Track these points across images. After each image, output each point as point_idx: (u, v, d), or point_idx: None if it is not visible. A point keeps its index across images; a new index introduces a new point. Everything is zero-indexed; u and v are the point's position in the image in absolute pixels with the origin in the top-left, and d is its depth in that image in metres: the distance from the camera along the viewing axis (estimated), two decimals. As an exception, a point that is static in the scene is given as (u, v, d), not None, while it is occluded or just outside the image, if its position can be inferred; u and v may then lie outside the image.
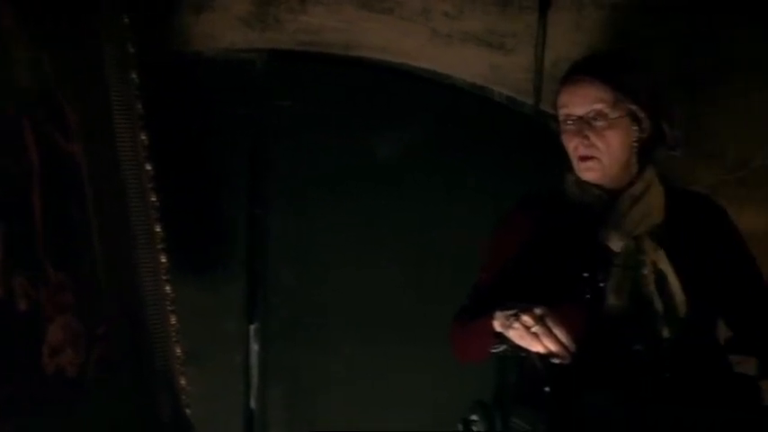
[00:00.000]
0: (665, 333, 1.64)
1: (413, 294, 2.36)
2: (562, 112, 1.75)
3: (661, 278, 1.66)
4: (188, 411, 2.04)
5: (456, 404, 1.81)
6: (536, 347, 1.51)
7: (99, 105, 1.96)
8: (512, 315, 1.54)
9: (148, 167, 2.01)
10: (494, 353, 1.62)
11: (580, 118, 1.71)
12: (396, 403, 2.33)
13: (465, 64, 2.36)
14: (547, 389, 1.50)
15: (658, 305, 1.65)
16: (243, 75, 2.34)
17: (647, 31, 2.35)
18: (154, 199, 2.01)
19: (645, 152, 1.75)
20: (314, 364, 2.36)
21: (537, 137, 2.27)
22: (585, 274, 1.68)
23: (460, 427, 1.76)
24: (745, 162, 2.35)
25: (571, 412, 1.51)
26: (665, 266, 1.66)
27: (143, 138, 2.01)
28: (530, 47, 2.33)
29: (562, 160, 1.80)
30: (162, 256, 2.01)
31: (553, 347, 1.49)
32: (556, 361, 1.50)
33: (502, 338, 1.58)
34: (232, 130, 2.34)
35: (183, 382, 2.04)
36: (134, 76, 2.02)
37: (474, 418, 1.74)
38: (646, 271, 1.66)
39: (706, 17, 2.36)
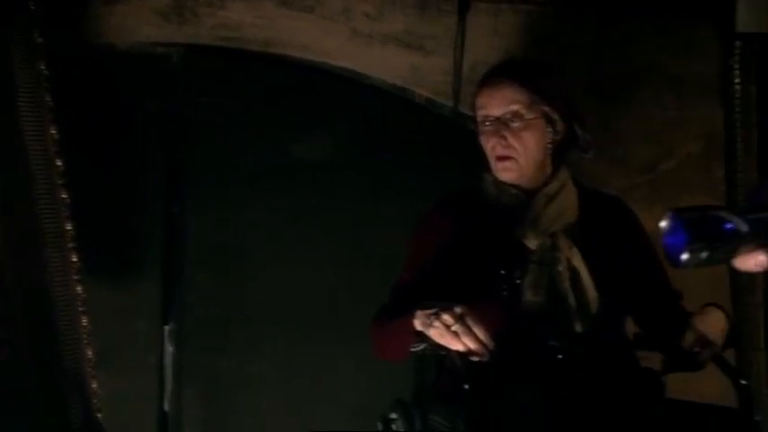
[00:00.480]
0: (578, 328, 1.69)
1: (333, 294, 2.36)
2: (480, 113, 1.78)
3: (575, 275, 1.71)
4: (99, 416, 1.98)
5: (375, 403, 1.82)
6: (456, 346, 1.53)
7: (3, 96, 1.88)
8: (432, 314, 1.56)
9: (59, 163, 1.94)
10: (414, 351, 1.64)
11: (497, 119, 1.75)
12: (315, 403, 2.32)
13: (385, 65, 2.38)
14: (466, 386, 1.52)
15: (572, 301, 1.70)
16: (159, 69, 2.29)
17: (562, 38, 2.43)
18: (65, 196, 1.94)
19: (558, 154, 1.80)
20: (231, 365, 2.32)
21: (456, 138, 2.30)
22: (503, 272, 1.72)
23: (380, 425, 1.76)
24: (654, 165, 2.46)
25: (490, 409, 1.53)
26: (579, 263, 1.72)
27: (53, 132, 1.94)
28: (449, 49, 2.37)
29: (480, 161, 1.83)
30: (73, 256, 1.94)
31: (473, 345, 1.51)
32: (475, 359, 1.52)
33: (422, 337, 1.59)
34: (148, 126, 2.29)
35: (94, 385, 1.97)
36: (43, 67, 1.94)
37: (393, 416, 1.75)
38: (561, 268, 1.71)
39: (615, 27, 2.46)
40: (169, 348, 2.28)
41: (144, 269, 2.26)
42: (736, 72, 2.47)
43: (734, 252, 0.76)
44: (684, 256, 0.75)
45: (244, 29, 2.31)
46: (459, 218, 1.80)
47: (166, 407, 2.28)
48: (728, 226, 0.76)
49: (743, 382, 1.65)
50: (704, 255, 0.75)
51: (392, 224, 2.28)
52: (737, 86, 2.47)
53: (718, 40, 2.48)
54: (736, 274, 2.44)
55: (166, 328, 2.28)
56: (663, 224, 0.77)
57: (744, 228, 0.76)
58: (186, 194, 2.30)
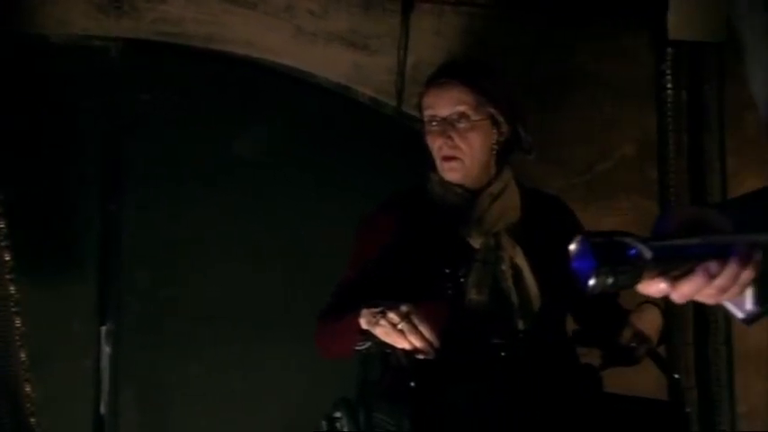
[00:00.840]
0: (521, 326, 1.73)
1: (274, 292, 2.34)
2: (427, 113, 1.80)
3: (517, 273, 1.74)
4: (32, 420, 1.91)
5: (319, 402, 1.82)
6: (402, 344, 1.54)
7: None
8: (378, 312, 1.56)
9: (-10, 158, 1.88)
10: (358, 350, 1.64)
11: (444, 119, 1.77)
12: (257, 402, 2.30)
13: (329, 63, 2.37)
14: (412, 384, 1.53)
15: (515, 299, 1.73)
16: (96, 63, 2.24)
17: (503, 41, 2.47)
18: (-4, 192, 1.87)
19: (502, 155, 1.83)
20: (170, 366, 2.28)
21: (399, 137, 2.32)
22: (447, 270, 1.74)
23: (324, 424, 1.76)
24: (590, 167, 2.52)
25: (435, 407, 1.55)
26: (522, 262, 1.75)
27: (-17, 126, 1.87)
28: (393, 49, 2.38)
29: (423, 160, 1.85)
30: (6, 254, 1.88)
31: (418, 344, 1.53)
32: (421, 357, 1.54)
33: (368, 336, 1.60)
34: (83, 121, 2.23)
35: (27, 388, 1.91)
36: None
37: (337, 415, 1.75)
38: (504, 266, 1.74)
39: (554, 31, 2.51)
40: (106, 349, 2.22)
41: (80, 268, 2.20)
42: (668, 78, 2.56)
43: (638, 278, 0.80)
44: (592, 282, 0.78)
45: (185, 24, 2.27)
46: (403, 217, 1.81)
47: (103, 410, 2.23)
48: (633, 252, 0.79)
49: (676, 376, 1.72)
50: (610, 280, 0.79)
51: (335, 222, 2.28)
52: (669, 91, 2.56)
53: (651, 46, 2.57)
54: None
55: (103, 328, 2.22)
56: (572, 248, 0.80)
57: (647, 254, 0.79)
58: (125, 191, 2.25)
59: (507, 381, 1.64)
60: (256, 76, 2.34)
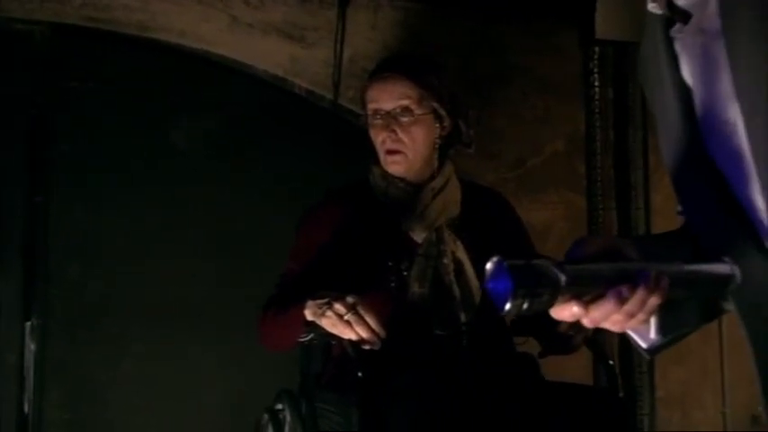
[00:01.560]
0: (462, 318, 1.76)
1: (211, 286, 2.29)
2: (370, 106, 1.80)
3: (459, 267, 1.77)
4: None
5: (261, 395, 1.80)
6: (348, 335, 1.55)
7: None
8: (324, 304, 1.57)
9: None
10: (302, 341, 1.64)
11: (387, 113, 1.78)
12: (197, 398, 2.25)
13: (265, 54, 2.35)
14: (359, 374, 1.54)
15: (456, 292, 1.75)
16: (19, 48, 2.15)
17: (438, 36, 2.50)
18: None
19: (444, 149, 1.85)
20: (100, 363, 2.21)
21: (336, 130, 2.31)
22: (390, 263, 1.75)
23: (266, 416, 1.75)
24: (522, 161, 2.58)
25: (381, 396, 1.56)
26: (463, 256, 1.78)
27: None
28: (329, 42, 2.37)
29: (364, 153, 1.85)
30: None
31: (365, 334, 1.54)
32: (367, 347, 1.55)
33: (313, 327, 1.59)
34: (7, 108, 2.13)
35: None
36: None
37: (279, 407, 1.74)
38: (446, 260, 1.76)
39: (489, 28, 2.56)
40: (31, 346, 2.14)
41: (3, 261, 2.11)
42: (595, 76, 2.65)
43: (552, 301, 0.82)
44: (508, 305, 0.80)
45: (115, 10, 2.20)
46: (346, 211, 1.81)
47: (26, 409, 2.14)
48: (548, 276, 0.81)
49: (611, 362, 1.78)
50: (526, 304, 0.80)
51: (271, 215, 2.26)
52: (596, 89, 2.65)
53: (579, 45, 2.65)
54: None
55: (28, 324, 2.14)
56: (488, 268, 0.81)
57: (562, 279, 0.81)
58: (52, 183, 2.17)
59: (450, 370, 1.66)
60: (191, 65, 2.29)
